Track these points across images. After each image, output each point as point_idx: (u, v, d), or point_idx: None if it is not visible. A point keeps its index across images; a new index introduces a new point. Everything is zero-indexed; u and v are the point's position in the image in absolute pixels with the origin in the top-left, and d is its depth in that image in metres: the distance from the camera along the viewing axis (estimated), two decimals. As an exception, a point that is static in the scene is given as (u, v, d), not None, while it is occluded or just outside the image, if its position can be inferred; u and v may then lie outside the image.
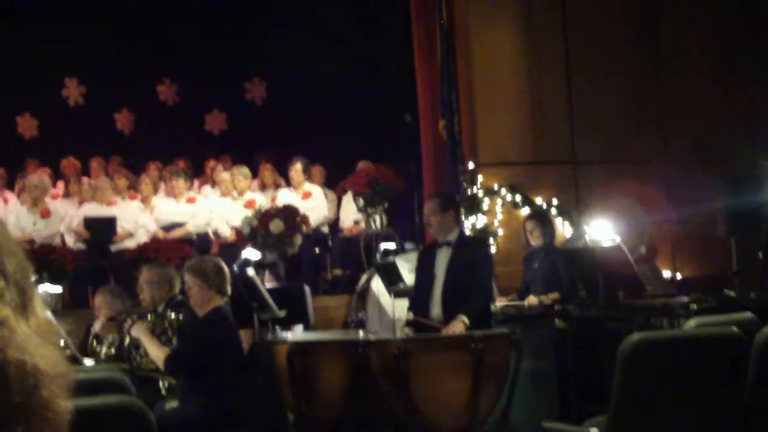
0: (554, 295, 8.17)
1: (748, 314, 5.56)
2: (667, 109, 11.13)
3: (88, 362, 6.62)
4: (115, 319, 6.71)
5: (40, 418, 1.26)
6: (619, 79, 11.00)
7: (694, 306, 7.28)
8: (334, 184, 11.49)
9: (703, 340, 4.82)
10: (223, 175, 11.30)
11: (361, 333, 6.44)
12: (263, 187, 11.66)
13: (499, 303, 8.33)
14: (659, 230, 10.54)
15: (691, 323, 5.46)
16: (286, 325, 7.90)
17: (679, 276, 10.49)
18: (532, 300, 8.12)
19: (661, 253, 10.20)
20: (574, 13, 10.95)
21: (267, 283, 8.73)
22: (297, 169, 11.13)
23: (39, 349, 1.28)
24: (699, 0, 11.33)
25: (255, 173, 11.69)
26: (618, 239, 8.12)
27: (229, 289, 6.24)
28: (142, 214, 10.95)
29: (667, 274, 10.05)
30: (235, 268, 8.32)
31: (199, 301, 6.04)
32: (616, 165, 10.79)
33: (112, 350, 6.70)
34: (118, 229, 10.68)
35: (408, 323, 6.62)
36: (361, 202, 10.42)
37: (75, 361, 6.29)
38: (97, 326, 7.03)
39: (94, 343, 6.87)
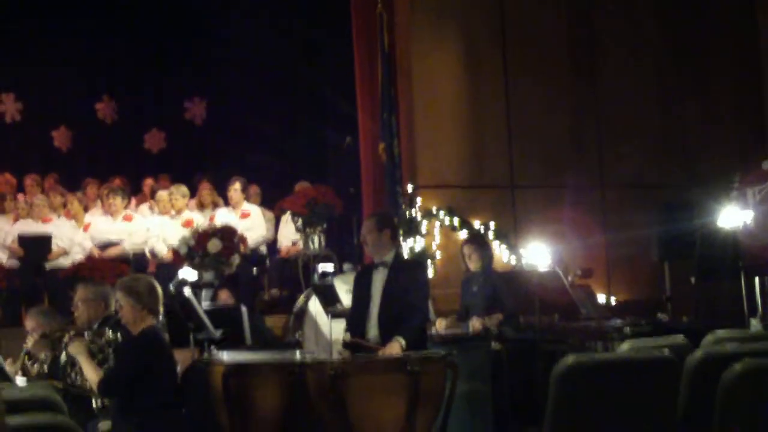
0: (498, 316, 8.14)
1: (680, 338, 5.66)
2: (605, 135, 11.30)
3: (20, 381, 6.53)
4: (49, 336, 6.62)
5: None
6: (558, 105, 11.16)
7: (627, 329, 7.37)
8: (272, 204, 11.46)
9: (636, 363, 4.89)
10: (161, 194, 11.20)
11: (297, 354, 6.41)
12: (201, 207, 11.57)
13: (440, 327, 8.31)
14: (594, 254, 10.68)
15: (625, 346, 5.54)
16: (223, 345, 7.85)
17: (613, 300, 10.62)
18: (476, 324, 8.06)
19: (596, 277, 10.31)
20: (515, 40, 11.10)
21: (204, 303, 8.68)
22: (236, 188, 11.08)
23: None
24: (639, 32, 11.53)
25: (193, 192, 11.62)
26: (554, 263, 8.21)
27: (161, 309, 6.19)
28: (78, 232, 10.84)
29: (601, 297, 10.17)
30: (172, 287, 8.25)
31: (131, 320, 5.98)
32: (554, 190, 10.92)
33: (45, 368, 6.61)
34: (53, 247, 10.56)
35: (345, 344, 6.61)
36: (300, 222, 10.40)
37: (5, 378, 6.20)
38: (29, 343, 6.93)
39: (26, 360, 6.78)
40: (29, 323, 7.27)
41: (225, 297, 9.03)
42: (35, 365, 6.76)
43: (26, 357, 6.85)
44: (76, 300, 6.83)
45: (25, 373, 6.74)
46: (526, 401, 7.48)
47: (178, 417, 6.01)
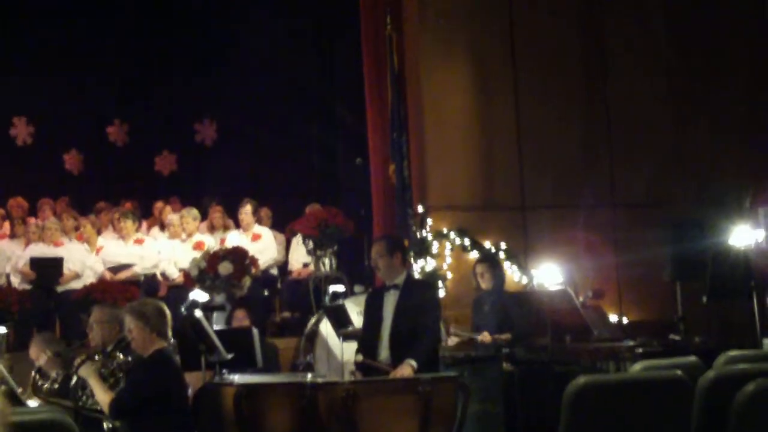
0: (507, 336, 8.19)
1: (692, 358, 5.63)
2: (616, 155, 11.27)
3: (32, 403, 6.53)
4: (61, 354, 6.63)
5: None
6: (569, 124, 11.14)
7: (639, 350, 7.35)
8: (283, 226, 11.47)
9: (648, 383, 4.86)
10: (172, 217, 11.23)
11: (309, 376, 6.40)
12: (212, 229, 11.60)
13: (453, 338, 8.35)
14: (605, 275, 10.64)
15: (637, 367, 5.52)
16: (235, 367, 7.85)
17: (625, 320, 10.58)
18: (485, 336, 8.13)
19: (608, 297, 10.28)
20: (525, 59, 11.09)
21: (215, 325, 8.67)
22: (246, 211, 11.11)
23: None
24: (650, 47, 11.51)
25: (204, 215, 11.65)
26: (565, 283, 8.20)
27: (170, 332, 6.19)
28: (90, 255, 10.86)
29: (613, 318, 10.13)
30: (183, 310, 8.26)
31: (141, 344, 5.99)
32: (564, 210, 10.89)
33: (56, 386, 6.63)
34: (65, 270, 10.57)
35: (356, 366, 6.61)
36: (311, 244, 10.40)
37: (17, 401, 6.21)
38: (42, 361, 6.95)
39: (37, 377, 6.80)
40: (32, 352, 7.27)
41: (241, 316, 9.03)
42: (46, 383, 6.78)
43: (38, 374, 6.88)
44: (91, 321, 6.85)
45: (35, 390, 6.75)
46: (537, 422, 7.46)
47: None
